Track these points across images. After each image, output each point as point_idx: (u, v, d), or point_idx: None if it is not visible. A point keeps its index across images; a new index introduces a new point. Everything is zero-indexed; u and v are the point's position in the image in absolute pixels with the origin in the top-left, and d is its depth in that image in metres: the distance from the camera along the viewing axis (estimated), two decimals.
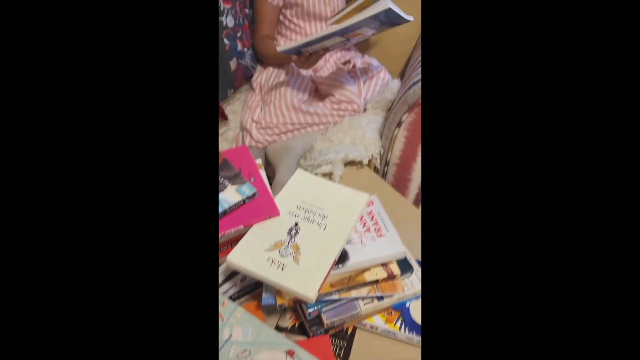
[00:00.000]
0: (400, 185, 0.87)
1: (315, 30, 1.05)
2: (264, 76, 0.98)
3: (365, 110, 0.94)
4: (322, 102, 0.94)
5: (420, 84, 0.75)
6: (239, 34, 0.93)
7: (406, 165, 0.84)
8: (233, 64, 0.92)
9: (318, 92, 1.00)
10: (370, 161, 0.85)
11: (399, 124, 0.80)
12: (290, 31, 1.05)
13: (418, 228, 0.49)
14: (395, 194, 0.78)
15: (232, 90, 0.96)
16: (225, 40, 0.89)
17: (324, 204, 0.50)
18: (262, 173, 0.57)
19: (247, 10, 0.98)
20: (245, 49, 0.96)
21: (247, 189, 0.49)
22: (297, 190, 0.53)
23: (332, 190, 0.53)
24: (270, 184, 0.89)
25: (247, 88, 1.03)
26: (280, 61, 0.99)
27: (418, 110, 0.76)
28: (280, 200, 0.51)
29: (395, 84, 0.96)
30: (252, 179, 0.53)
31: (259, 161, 0.61)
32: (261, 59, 1.04)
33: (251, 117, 0.90)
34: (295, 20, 1.03)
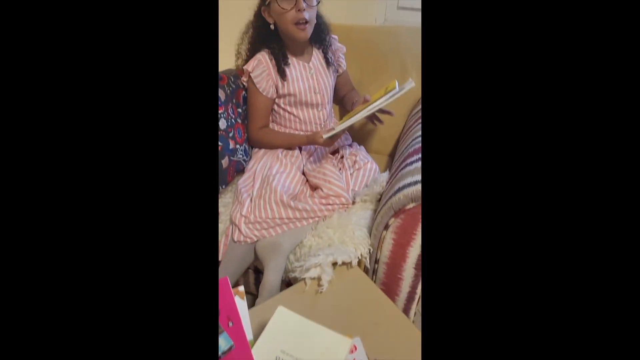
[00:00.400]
0: (391, 283, 0.83)
1: (308, 116, 1.07)
2: (259, 165, 0.99)
3: (354, 202, 0.93)
4: (311, 196, 0.93)
5: (405, 190, 0.74)
6: (231, 134, 0.94)
7: (396, 265, 0.81)
8: (225, 162, 0.92)
9: (308, 182, 1.00)
10: (360, 260, 0.83)
11: (386, 227, 0.78)
12: (285, 120, 1.07)
13: (409, 348, 0.44)
14: (386, 302, 0.74)
15: (224, 187, 0.95)
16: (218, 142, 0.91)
17: (304, 354, 0.47)
18: (242, 306, 0.54)
19: (239, 110, 1.01)
20: (238, 146, 0.97)
21: (224, 343, 0.46)
22: (277, 336, 0.49)
23: (313, 334, 0.50)
24: (260, 279, 0.86)
25: (238, 178, 1.03)
26: (282, 147, 1.01)
27: (404, 216, 0.75)
28: (259, 349, 0.48)
29: (383, 177, 0.95)
30: (230, 324, 0.50)
31: (241, 288, 0.59)
32: (260, 147, 1.05)
33: (240, 211, 0.89)
34: (288, 108, 1.06)
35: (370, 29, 1.35)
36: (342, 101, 1.18)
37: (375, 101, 0.85)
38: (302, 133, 1.08)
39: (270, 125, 1.09)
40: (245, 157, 1.00)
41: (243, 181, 0.96)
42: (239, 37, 1.04)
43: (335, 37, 1.11)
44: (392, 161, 1.19)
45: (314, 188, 0.96)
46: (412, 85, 0.83)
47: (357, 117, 0.86)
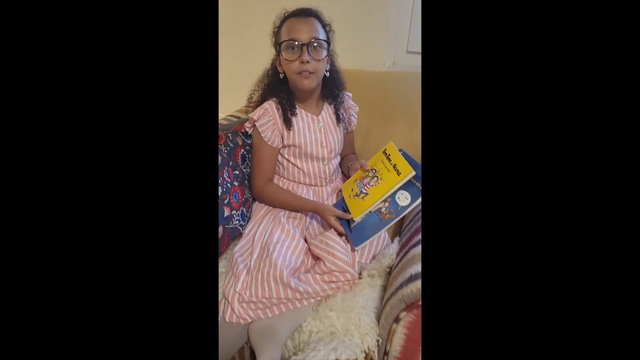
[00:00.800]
0: None
1: (313, 169, 1.00)
2: (259, 229, 0.89)
3: (360, 276, 0.82)
4: (312, 268, 0.83)
5: (417, 282, 0.63)
6: (226, 200, 0.86)
7: None
8: (219, 232, 0.83)
9: (310, 250, 0.89)
10: (367, 354, 0.71)
11: (396, 319, 0.66)
12: (289, 172, 1.00)
13: None
14: None
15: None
16: None
17: None
18: None
19: (236, 172, 0.92)
20: (234, 212, 0.88)
21: None
22: None
23: None
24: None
25: (234, 244, 0.94)
26: (286, 209, 0.93)
27: (417, 311, 0.63)
28: None
29: (393, 248, 0.83)
30: None
31: None
32: (264, 203, 0.97)
33: (234, 287, 0.78)
34: (292, 159, 0.98)
35: (378, 74, 1.27)
36: (340, 162, 1.11)
37: (390, 189, 0.82)
38: (309, 186, 1.00)
39: (274, 177, 1.01)
40: (242, 222, 0.91)
41: (240, 248, 0.87)
42: (255, 83, 1.00)
43: (350, 94, 1.04)
44: (403, 218, 1.07)
45: (317, 258, 0.85)
46: (419, 202, 0.80)
47: (375, 210, 0.85)
